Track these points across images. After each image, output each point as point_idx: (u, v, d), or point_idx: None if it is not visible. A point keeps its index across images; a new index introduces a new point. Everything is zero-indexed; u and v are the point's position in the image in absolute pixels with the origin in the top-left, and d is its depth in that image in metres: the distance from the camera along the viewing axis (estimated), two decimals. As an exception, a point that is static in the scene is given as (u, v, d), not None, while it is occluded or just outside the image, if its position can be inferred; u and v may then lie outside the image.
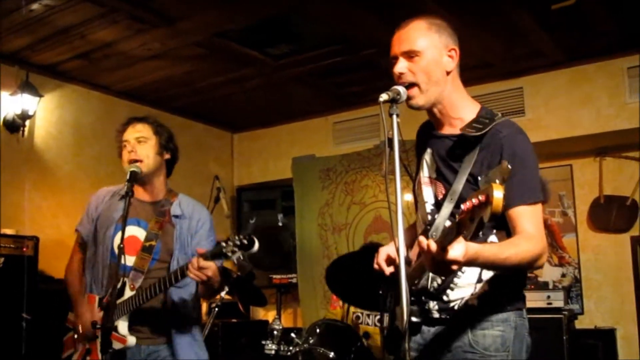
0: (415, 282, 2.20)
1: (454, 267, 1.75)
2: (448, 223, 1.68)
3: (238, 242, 2.62)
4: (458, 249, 1.71)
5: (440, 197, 2.23)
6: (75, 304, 3.10)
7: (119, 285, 2.90)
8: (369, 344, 4.65)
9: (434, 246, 1.71)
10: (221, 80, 5.96)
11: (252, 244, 2.62)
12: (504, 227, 2.10)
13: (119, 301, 2.90)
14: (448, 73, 2.21)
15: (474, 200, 1.53)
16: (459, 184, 2.13)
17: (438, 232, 2.12)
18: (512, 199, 2.04)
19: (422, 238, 1.77)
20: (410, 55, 2.18)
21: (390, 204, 1.92)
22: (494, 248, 1.96)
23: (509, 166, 1.54)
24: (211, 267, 2.71)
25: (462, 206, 1.59)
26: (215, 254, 2.68)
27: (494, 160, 2.09)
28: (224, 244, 2.65)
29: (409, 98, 2.17)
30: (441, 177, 2.25)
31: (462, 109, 2.24)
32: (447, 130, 2.27)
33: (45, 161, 5.54)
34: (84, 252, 3.16)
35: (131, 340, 2.88)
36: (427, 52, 2.18)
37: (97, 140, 5.88)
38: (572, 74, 5.58)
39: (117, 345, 2.84)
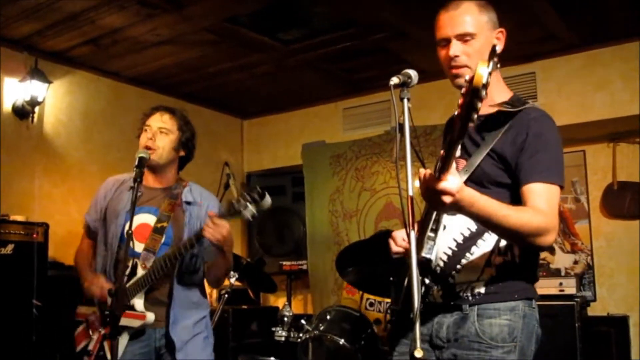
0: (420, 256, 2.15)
1: (446, 198, 1.74)
2: None
3: (249, 198, 2.62)
4: (452, 181, 1.72)
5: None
6: (84, 276, 3.10)
7: (129, 269, 2.91)
8: (380, 330, 4.64)
9: (428, 172, 1.73)
10: (231, 66, 5.93)
11: (263, 197, 2.62)
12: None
13: (132, 281, 2.91)
14: None
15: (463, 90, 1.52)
16: (478, 157, 2.10)
17: None
18: (529, 175, 2.01)
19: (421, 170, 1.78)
20: (465, 38, 2.16)
21: (401, 190, 1.89)
22: (495, 202, 1.90)
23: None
24: (226, 225, 2.72)
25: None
26: (228, 210, 2.67)
27: (519, 138, 2.07)
28: (235, 201, 2.65)
29: (458, 76, 2.16)
30: (465, 152, 2.22)
31: (497, 93, 2.22)
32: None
33: (55, 148, 5.54)
34: (93, 239, 3.18)
35: (150, 316, 2.89)
36: (480, 35, 2.17)
37: (106, 127, 5.87)
38: (586, 58, 5.51)
39: (136, 323, 2.86)
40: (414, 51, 5.45)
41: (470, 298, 2.12)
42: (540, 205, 1.97)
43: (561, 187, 2.05)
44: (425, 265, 2.15)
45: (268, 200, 2.64)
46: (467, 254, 2.12)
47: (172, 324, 2.94)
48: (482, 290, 2.11)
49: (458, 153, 2.23)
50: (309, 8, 4.84)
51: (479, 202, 1.82)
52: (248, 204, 2.63)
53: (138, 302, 2.90)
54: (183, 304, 3.01)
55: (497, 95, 2.21)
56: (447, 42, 2.18)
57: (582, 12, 4.84)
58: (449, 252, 2.14)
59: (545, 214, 1.95)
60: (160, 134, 3.03)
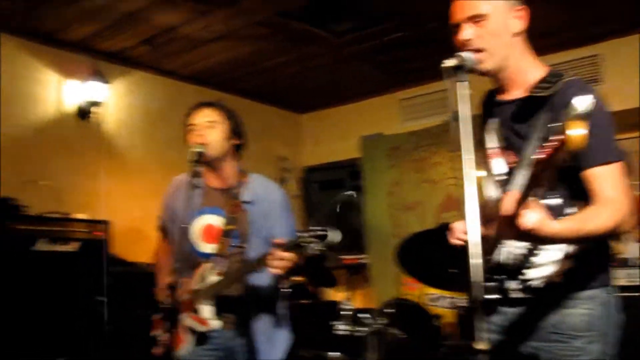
0: (488, 258, 2.08)
1: (528, 229, 1.64)
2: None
3: (314, 234, 2.59)
4: (532, 217, 1.61)
5: (512, 166, 2.10)
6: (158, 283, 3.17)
7: (202, 272, 2.94)
8: (440, 324, 4.57)
9: (509, 207, 1.62)
10: (285, 59, 5.92)
11: (324, 236, 2.60)
12: (582, 197, 1.95)
13: (203, 285, 2.93)
14: (516, 35, 2.08)
15: (547, 148, 1.40)
16: (531, 150, 1.97)
17: None
18: (585, 160, 1.91)
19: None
20: (475, 19, 2.05)
21: (461, 179, 1.81)
22: (575, 224, 1.81)
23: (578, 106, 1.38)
24: (291, 258, 2.69)
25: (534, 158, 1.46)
26: (292, 245, 2.66)
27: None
28: (300, 235, 2.63)
29: (476, 62, 2.04)
30: (510, 145, 2.12)
31: (529, 73, 2.10)
32: (512, 95, 2.14)
33: (116, 147, 5.64)
34: (167, 238, 3.22)
35: (214, 324, 2.90)
36: (493, 15, 2.05)
37: (166, 125, 5.95)
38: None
39: (200, 328, 2.88)
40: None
41: (547, 291, 2.04)
42: (608, 193, 1.89)
43: (621, 160, 1.94)
44: (497, 266, 2.09)
45: (332, 237, 2.61)
46: (541, 250, 2.04)
47: (256, 327, 2.97)
48: (560, 281, 2.03)
49: (503, 144, 2.14)
50: (360, -2, 4.78)
51: (559, 236, 1.76)
52: (313, 239, 2.61)
53: (206, 309, 2.92)
54: (258, 303, 3.02)
55: (529, 73, 2.10)
56: (458, 27, 2.09)
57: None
58: (522, 251, 2.06)
59: (616, 202, 1.88)
60: (208, 128, 3.00)
